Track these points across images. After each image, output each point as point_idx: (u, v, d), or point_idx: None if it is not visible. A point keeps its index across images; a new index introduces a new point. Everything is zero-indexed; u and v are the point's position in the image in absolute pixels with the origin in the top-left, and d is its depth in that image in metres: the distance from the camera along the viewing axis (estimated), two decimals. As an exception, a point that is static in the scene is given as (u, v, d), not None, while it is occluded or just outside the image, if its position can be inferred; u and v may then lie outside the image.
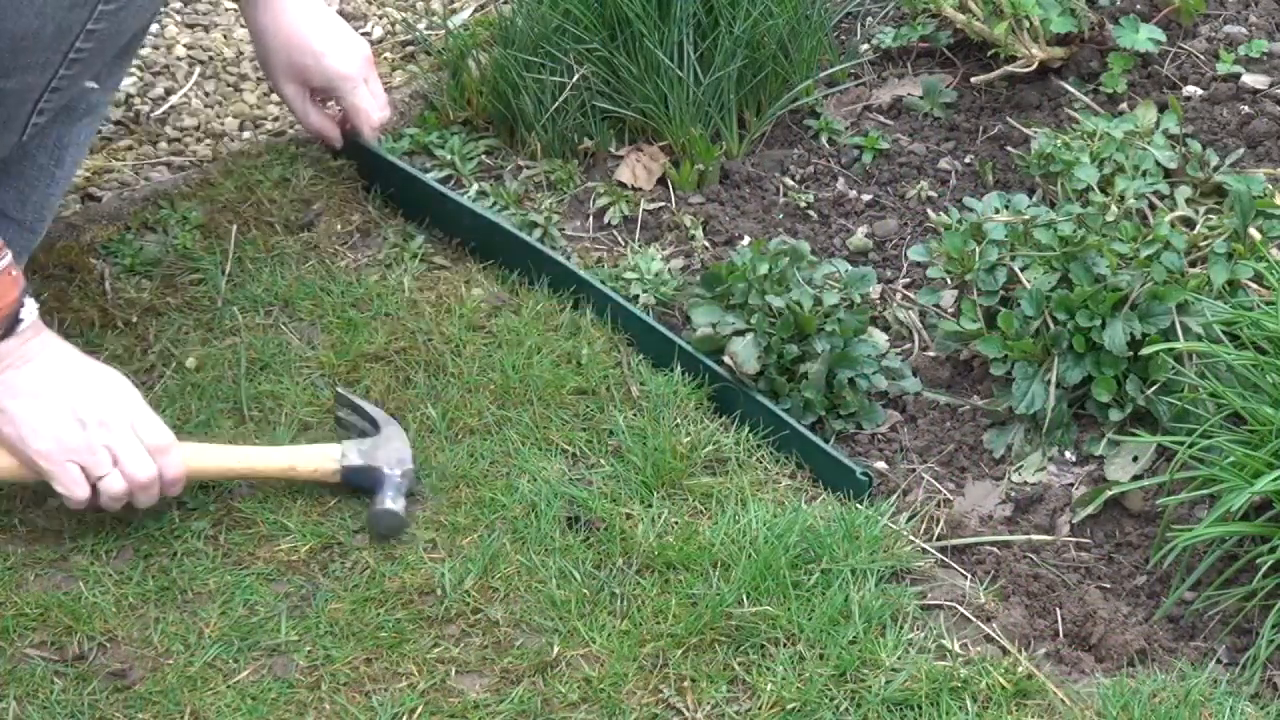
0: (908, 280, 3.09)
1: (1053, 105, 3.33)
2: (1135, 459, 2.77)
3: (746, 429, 2.78)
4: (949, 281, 2.95)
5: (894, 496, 2.73)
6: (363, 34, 3.44)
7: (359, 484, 2.66)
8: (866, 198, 3.23)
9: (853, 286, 2.92)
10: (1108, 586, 2.66)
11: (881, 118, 3.38)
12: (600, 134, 3.25)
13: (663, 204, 3.20)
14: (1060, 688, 2.46)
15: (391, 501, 2.62)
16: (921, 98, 3.38)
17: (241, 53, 3.53)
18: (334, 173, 3.15)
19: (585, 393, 2.83)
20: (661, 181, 3.24)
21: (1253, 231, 2.89)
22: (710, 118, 3.23)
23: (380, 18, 3.63)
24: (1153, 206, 3.00)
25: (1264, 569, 2.51)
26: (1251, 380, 2.65)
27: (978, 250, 2.90)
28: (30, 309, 2.51)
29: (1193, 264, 2.88)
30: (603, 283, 2.96)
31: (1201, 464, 2.62)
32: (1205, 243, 2.90)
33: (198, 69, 3.50)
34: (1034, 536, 2.73)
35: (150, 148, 3.32)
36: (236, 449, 2.66)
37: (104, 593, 2.54)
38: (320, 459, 2.66)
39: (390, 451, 2.66)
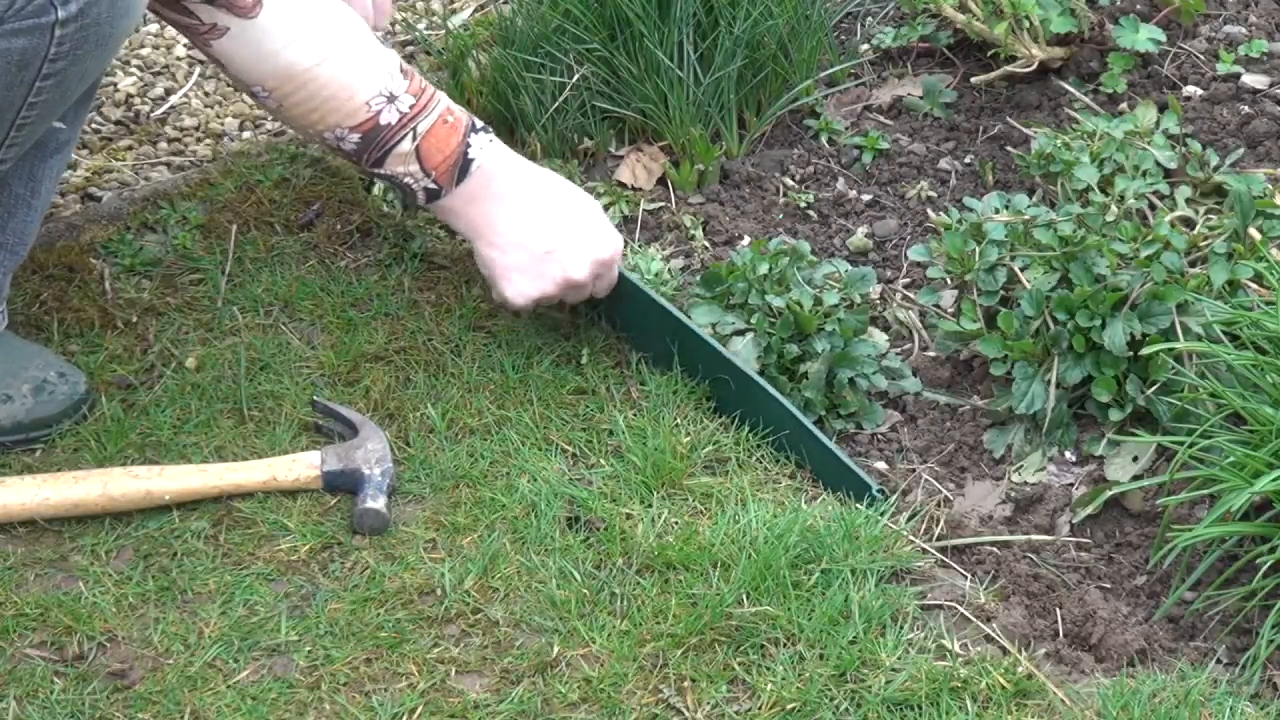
0: (908, 280, 3.09)
1: (1053, 105, 3.33)
2: (1135, 459, 2.76)
3: (746, 429, 2.78)
4: (949, 281, 2.94)
5: (894, 496, 2.72)
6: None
7: (341, 487, 2.67)
8: (866, 198, 3.23)
9: (853, 286, 2.92)
10: (1108, 586, 2.66)
11: (881, 118, 3.38)
12: (600, 134, 3.25)
13: (663, 204, 3.20)
14: (1060, 688, 2.46)
15: (373, 500, 2.63)
16: (921, 98, 3.38)
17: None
18: (334, 173, 3.15)
19: (585, 393, 2.83)
20: (661, 181, 3.23)
21: (1253, 231, 2.89)
22: (710, 118, 3.23)
23: (380, 18, 3.63)
24: (1153, 206, 3.00)
25: (1264, 569, 2.51)
26: (1251, 380, 2.65)
27: (978, 250, 2.89)
28: (479, 145, 2.77)
29: (1193, 264, 2.88)
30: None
31: (1201, 464, 2.62)
32: (1205, 243, 2.90)
33: (198, 69, 3.50)
34: (1034, 536, 2.73)
35: (150, 148, 3.32)
36: (218, 467, 2.67)
37: (104, 593, 2.54)
38: (300, 467, 2.67)
39: (368, 452, 2.68)
